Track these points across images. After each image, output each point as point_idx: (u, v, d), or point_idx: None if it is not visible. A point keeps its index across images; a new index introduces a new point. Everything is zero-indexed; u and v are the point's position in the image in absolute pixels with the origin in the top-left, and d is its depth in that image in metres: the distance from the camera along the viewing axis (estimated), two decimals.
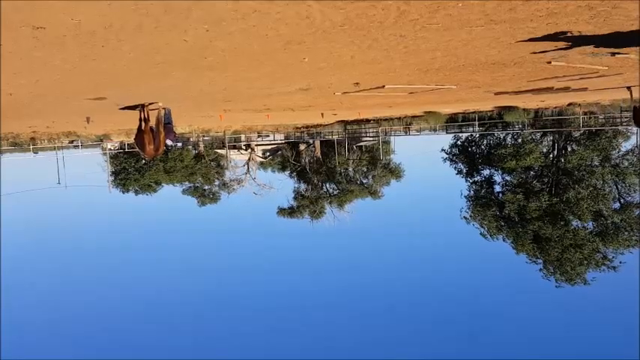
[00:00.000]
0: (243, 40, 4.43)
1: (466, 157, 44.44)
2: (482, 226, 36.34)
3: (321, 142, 53.78)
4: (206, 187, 51.49)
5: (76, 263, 44.25)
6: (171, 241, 52.81)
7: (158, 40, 4.21)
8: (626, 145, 38.79)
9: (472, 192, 40.33)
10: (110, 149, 46.37)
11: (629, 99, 10.99)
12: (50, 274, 43.41)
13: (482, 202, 38.55)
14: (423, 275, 42.16)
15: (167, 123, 9.51)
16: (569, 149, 41.20)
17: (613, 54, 6.24)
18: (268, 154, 56.70)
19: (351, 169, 52.52)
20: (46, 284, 41.33)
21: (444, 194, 57.25)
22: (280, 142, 56.07)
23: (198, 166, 50.14)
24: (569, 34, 4.72)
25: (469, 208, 38.36)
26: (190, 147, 51.42)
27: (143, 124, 9.12)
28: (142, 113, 9.20)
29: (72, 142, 43.48)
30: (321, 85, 8.62)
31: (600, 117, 40.54)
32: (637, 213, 33.62)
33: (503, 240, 35.11)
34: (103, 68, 5.40)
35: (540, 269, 32.41)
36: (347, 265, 44.43)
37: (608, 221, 33.57)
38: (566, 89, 11.84)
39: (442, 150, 45.49)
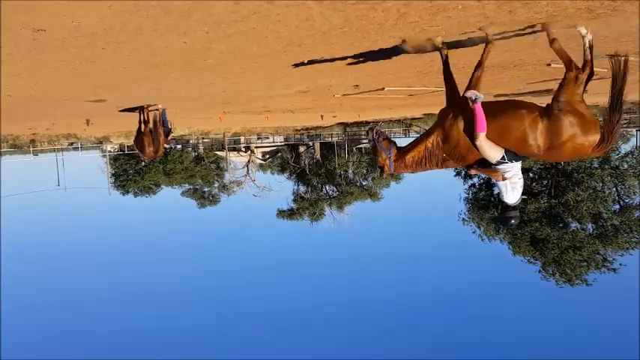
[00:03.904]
0: (242, 42, 4.43)
1: None
2: (479, 228, 36.34)
3: (320, 144, 53.72)
4: (205, 189, 51.43)
5: (75, 264, 44.23)
6: (170, 243, 52.84)
7: (158, 42, 4.21)
8: (625, 147, 38.76)
9: (471, 194, 40.30)
10: (110, 151, 46.30)
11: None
12: (49, 275, 43.43)
13: (481, 204, 38.54)
14: (422, 276, 42.20)
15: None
16: None
17: (612, 56, 6.23)
18: (268, 156, 56.64)
19: (350, 171, 52.42)
20: (45, 285, 41.34)
21: (443, 196, 57.22)
22: (280, 144, 55.99)
23: (197, 168, 50.07)
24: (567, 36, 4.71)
25: (468, 210, 38.36)
26: (190, 149, 51.41)
27: (143, 126, 9.15)
28: (142, 115, 9.22)
29: (71, 144, 43.41)
30: (320, 87, 8.62)
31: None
32: (637, 215, 33.56)
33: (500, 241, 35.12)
34: (103, 70, 5.40)
35: (539, 270, 32.41)
36: (346, 267, 44.44)
37: (608, 223, 33.49)
38: None
39: None
